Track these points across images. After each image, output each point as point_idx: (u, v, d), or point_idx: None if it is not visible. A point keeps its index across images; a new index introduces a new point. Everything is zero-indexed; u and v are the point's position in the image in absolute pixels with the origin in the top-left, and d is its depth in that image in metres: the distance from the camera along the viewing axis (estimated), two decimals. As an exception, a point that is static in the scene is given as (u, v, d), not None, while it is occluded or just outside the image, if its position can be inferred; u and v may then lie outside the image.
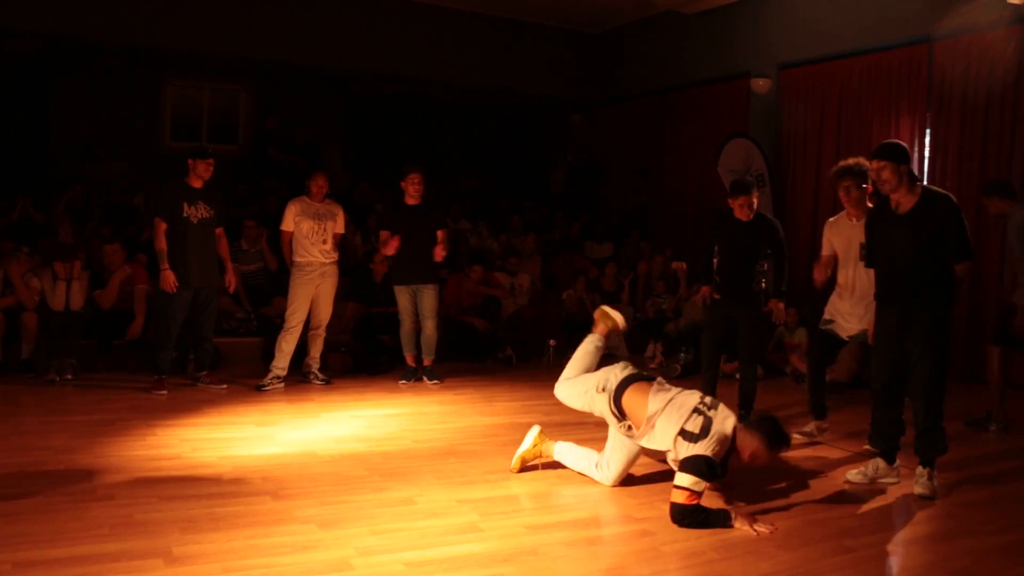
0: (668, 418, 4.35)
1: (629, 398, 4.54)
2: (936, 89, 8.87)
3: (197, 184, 7.07)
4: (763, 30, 10.90)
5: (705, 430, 4.21)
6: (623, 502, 4.50)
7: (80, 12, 10.50)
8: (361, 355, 8.36)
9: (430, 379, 7.73)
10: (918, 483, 4.77)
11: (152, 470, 4.76)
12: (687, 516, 4.07)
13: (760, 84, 10.70)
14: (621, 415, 4.57)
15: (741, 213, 6.24)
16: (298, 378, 7.52)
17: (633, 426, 4.52)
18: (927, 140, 8.95)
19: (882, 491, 4.83)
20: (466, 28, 12.81)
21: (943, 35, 8.69)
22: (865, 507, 4.60)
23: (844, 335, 5.82)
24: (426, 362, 7.80)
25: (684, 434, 4.25)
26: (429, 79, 13.03)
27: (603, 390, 4.66)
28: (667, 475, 4.97)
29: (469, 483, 4.73)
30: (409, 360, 7.80)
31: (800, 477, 5.10)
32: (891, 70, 9.30)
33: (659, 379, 4.68)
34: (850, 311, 5.72)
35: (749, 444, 4.30)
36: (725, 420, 4.29)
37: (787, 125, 10.66)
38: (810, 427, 6.03)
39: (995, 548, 4.04)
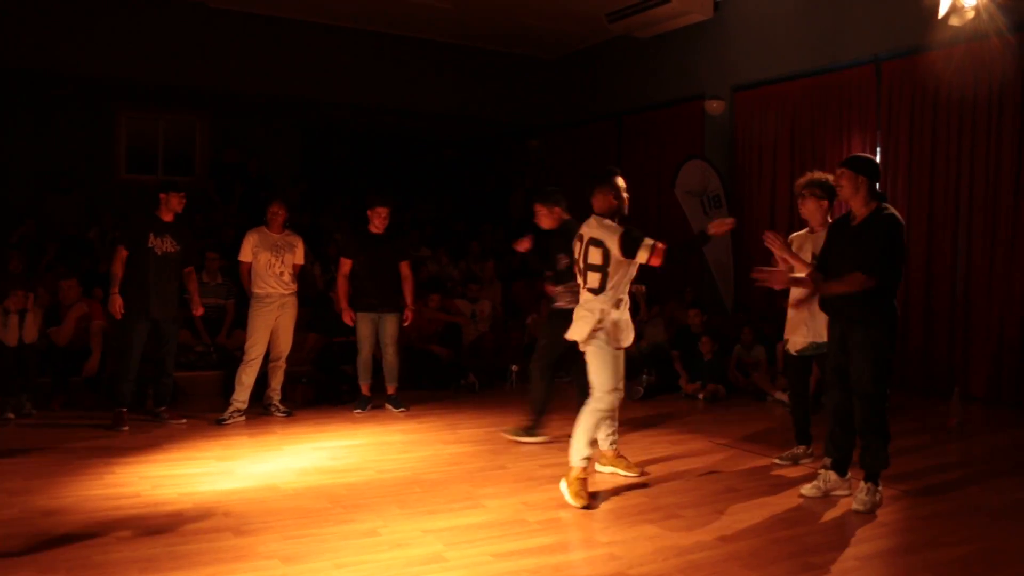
0: None
1: None
2: (885, 108, 9.05)
3: (168, 217, 7.04)
4: (715, 53, 11.06)
5: None
6: (588, 527, 4.50)
7: (31, 42, 10.39)
8: (323, 386, 8.29)
9: (395, 407, 7.69)
10: (857, 498, 4.82)
11: (110, 509, 4.68)
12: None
13: (714, 106, 10.85)
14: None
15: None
16: (259, 411, 7.44)
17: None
18: (878, 157, 9.10)
19: (845, 507, 4.86)
20: (422, 56, 12.87)
21: (889, 55, 8.89)
22: (828, 523, 4.64)
23: (792, 350, 5.82)
24: (389, 390, 7.76)
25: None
26: (386, 107, 13.06)
27: None
28: (633, 499, 4.99)
29: (433, 512, 4.70)
30: (364, 389, 7.76)
31: (759, 495, 5.13)
32: (841, 90, 9.48)
33: None
34: (793, 322, 5.75)
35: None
36: None
37: (741, 146, 10.80)
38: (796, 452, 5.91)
39: (956, 559, 4.09)
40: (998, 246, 8.17)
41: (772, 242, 5.22)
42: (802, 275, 5.23)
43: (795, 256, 5.33)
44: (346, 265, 7.71)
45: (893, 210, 4.85)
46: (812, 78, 9.79)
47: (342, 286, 7.71)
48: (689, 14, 10.91)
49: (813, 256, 5.49)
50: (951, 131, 8.52)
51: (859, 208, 4.87)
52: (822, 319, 5.46)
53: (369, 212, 7.72)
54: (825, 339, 5.46)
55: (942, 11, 7.45)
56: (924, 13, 8.09)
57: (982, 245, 8.30)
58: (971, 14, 7.43)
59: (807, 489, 5.08)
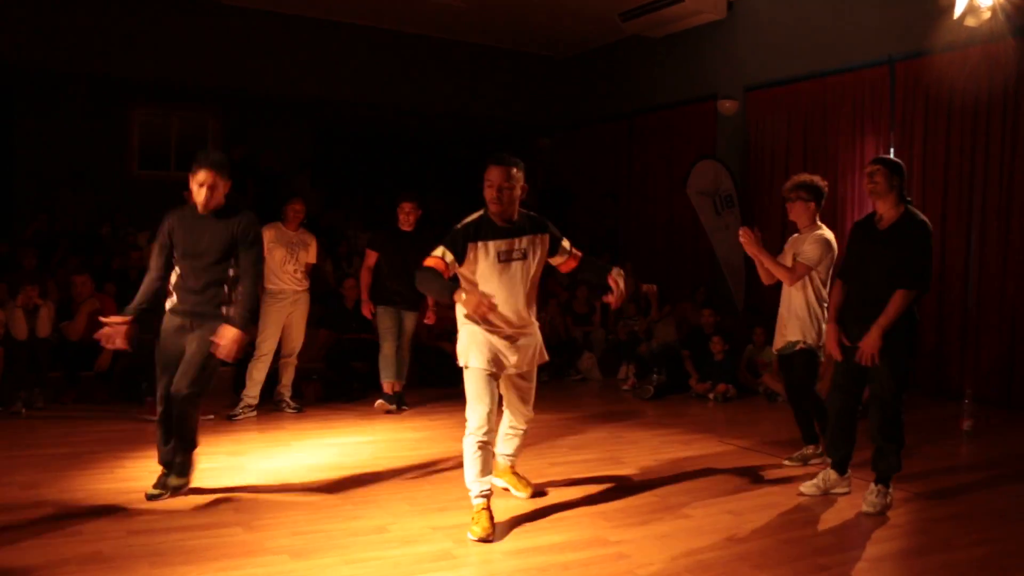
0: None
1: None
2: (899, 109, 9.01)
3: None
4: (729, 53, 11.03)
5: None
6: (598, 525, 4.49)
7: (45, 42, 10.44)
8: (333, 382, 8.30)
9: (399, 405, 7.67)
10: (867, 500, 4.80)
11: (121, 503, 4.69)
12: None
13: (727, 106, 10.82)
14: None
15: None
16: (270, 407, 7.45)
17: None
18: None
19: (855, 508, 4.82)
20: (433, 54, 12.88)
21: (904, 56, 8.85)
22: (838, 524, 4.62)
23: (774, 349, 5.90)
24: (396, 387, 7.74)
25: None
26: (397, 106, 13.06)
27: None
28: (643, 498, 4.98)
29: (443, 509, 4.70)
30: (386, 387, 7.57)
31: (769, 496, 5.12)
32: (854, 91, 9.44)
33: None
34: (777, 323, 5.79)
35: None
36: None
37: (754, 146, 10.77)
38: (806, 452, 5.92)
39: (968, 561, 4.08)
40: (1011, 249, 8.12)
41: (743, 238, 5.34)
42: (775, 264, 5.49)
43: (767, 255, 5.44)
44: (371, 257, 7.59)
45: (922, 215, 4.82)
46: (825, 78, 9.75)
47: (364, 278, 7.61)
48: (702, 13, 10.89)
49: (795, 258, 5.52)
50: (965, 133, 8.47)
51: (888, 209, 4.82)
52: (796, 319, 5.57)
53: (397, 209, 7.67)
54: (799, 337, 5.56)
55: (958, 12, 7.42)
56: (939, 14, 8.05)
57: (995, 248, 8.25)
58: (987, 14, 7.39)
59: (806, 487, 5.08)
